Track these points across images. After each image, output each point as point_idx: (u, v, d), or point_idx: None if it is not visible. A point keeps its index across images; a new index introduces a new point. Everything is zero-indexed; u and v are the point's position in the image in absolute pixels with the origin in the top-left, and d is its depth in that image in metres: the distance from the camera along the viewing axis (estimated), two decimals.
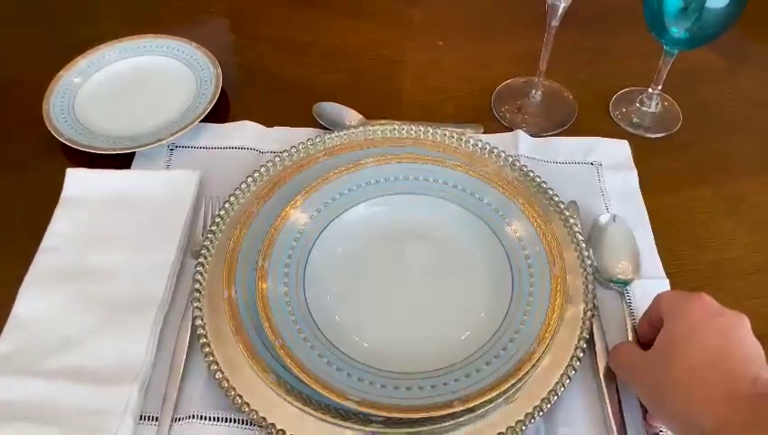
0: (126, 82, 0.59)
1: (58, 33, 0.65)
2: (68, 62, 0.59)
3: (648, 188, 0.51)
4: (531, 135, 0.55)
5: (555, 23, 0.51)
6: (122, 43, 0.61)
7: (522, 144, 0.54)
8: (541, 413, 0.38)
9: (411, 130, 0.52)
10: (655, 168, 0.52)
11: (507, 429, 0.37)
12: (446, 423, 0.37)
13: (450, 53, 0.63)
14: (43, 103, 0.56)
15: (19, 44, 0.65)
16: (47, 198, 0.50)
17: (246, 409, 0.38)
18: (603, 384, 0.40)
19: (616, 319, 0.44)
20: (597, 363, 0.41)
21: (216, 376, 0.40)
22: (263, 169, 0.50)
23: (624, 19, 0.54)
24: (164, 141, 0.53)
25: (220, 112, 0.57)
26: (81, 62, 0.59)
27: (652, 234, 0.48)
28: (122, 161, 0.53)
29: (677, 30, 0.49)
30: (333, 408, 0.38)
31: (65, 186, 0.51)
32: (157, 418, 0.40)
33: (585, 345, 0.41)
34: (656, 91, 0.56)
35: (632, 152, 0.53)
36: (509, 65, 0.60)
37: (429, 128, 0.52)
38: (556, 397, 0.39)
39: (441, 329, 0.42)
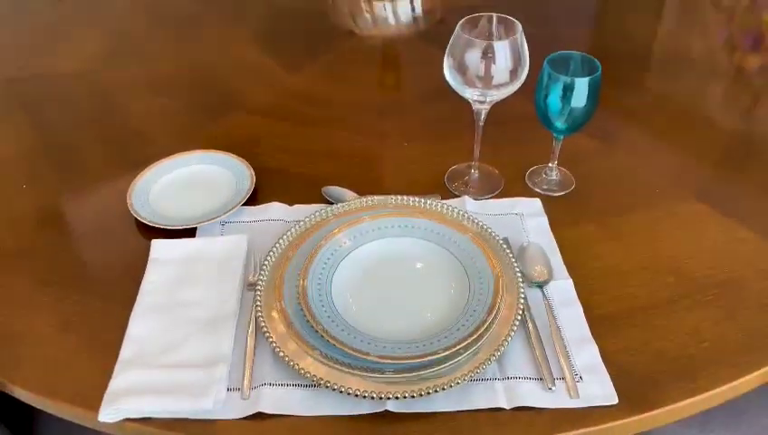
0: (185, 182, 0.82)
1: (128, 154, 0.89)
2: (143, 170, 0.82)
3: (555, 226, 0.75)
4: (474, 199, 0.79)
5: (481, 123, 0.77)
6: (181, 156, 0.84)
7: (468, 205, 0.78)
8: (494, 358, 0.59)
9: (392, 198, 0.76)
10: (558, 214, 0.76)
11: (474, 368, 0.58)
12: (434, 368, 0.58)
13: (414, 150, 0.88)
14: (127, 198, 0.78)
15: (104, 162, 0.88)
16: (139, 263, 0.71)
17: (302, 371, 0.58)
18: (534, 343, 0.62)
19: (539, 306, 0.66)
20: (528, 330, 0.63)
21: (279, 353, 0.59)
22: (293, 230, 0.72)
23: (527, 118, 0.80)
24: (218, 218, 0.75)
25: (254, 199, 0.79)
26: (152, 169, 0.82)
27: (559, 253, 0.71)
28: (188, 234, 0.75)
29: (559, 123, 0.76)
30: (358, 365, 0.58)
31: (152, 251, 0.72)
32: (239, 388, 0.59)
33: (519, 319, 0.62)
34: (554, 165, 0.82)
35: (543, 205, 0.78)
36: (454, 156, 0.85)
37: (404, 197, 0.76)
38: (504, 348, 0.60)
39: (426, 313, 0.64)
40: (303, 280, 0.65)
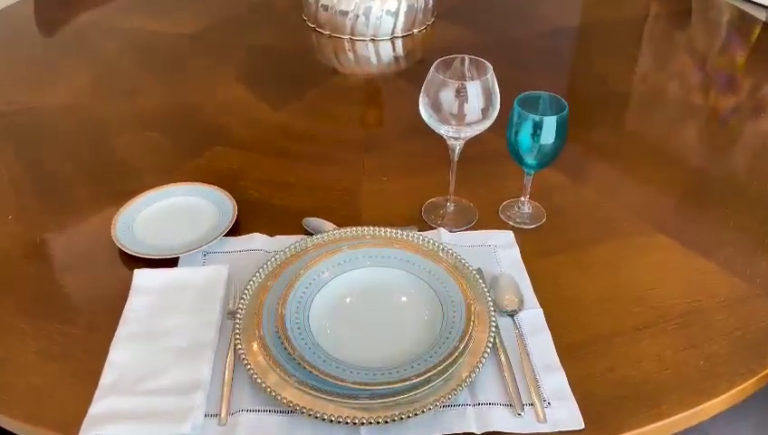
0: (168, 213, 0.84)
1: (113, 186, 0.91)
2: (127, 202, 0.84)
3: (526, 257, 0.78)
4: (449, 231, 0.82)
5: (455, 159, 0.81)
6: (164, 188, 0.87)
7: (443, 236, 0.81)
8: (466, 384, 0.61)
9: (370, 230, 0.79)
10: (530, 246, 0.79)
11: (446, 394, 0.60)
12: (407, 394, 0.60)
13: (392, 185, 0.91)
14: (111, 229, 0.80)
15: (89, 193, 0.90)
16: (122, 292, 0.72)
17: (279, 397, 0.60)
18: (505, 370, 0.64)
19: (509, 334, 0.68)
20: (499, 356, 0.65)
21: (257, 381, 0.61)
22: (273, 259, 0.74)
23: (499, 154, 0.84)
24: (200, 249, 0.77)
25: (236, 231, 0.82)
26: (136, 201, 0.84)
27: (530, 283, 0.74)
28: (171, 264, 0.77)
29: (530, 159, 0.79)
30: (334, 391, 0.60)
31: (134, 280, 0.74)
32: (217, 414, 0.60)
33: (491, 345, 0.65)
34: (526, 199, 0.85)
35: (515, 238, 0.81)
36: (431, 189, 0.88)
37: (381, 228, 0.79)
38: (475, 374, 0.62)
39: (401, 340, 0.66)
40: (282, 308, 0.67)
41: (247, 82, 1.18)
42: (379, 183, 0.92)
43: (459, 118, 0.74)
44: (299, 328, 0.65)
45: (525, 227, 0.83)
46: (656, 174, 0.95)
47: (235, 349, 0.65)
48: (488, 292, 0.70)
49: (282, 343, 0.64)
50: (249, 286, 0.71)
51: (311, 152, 0.99)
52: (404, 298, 0.71)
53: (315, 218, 0.83)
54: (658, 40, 1.40)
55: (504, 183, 0.88)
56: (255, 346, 0.65)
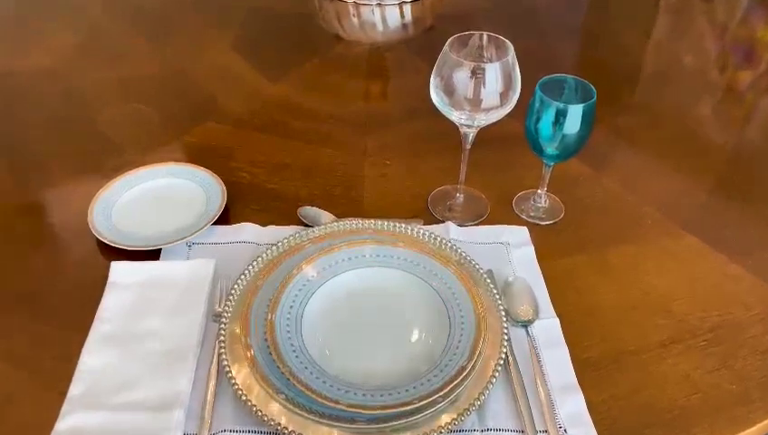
0: (151, 197, 0.77)
1: (93, 164, 0.83)
2: (107, 182, 0.77)
3: (542, 257, 0.71)
4: (458, 225, 0.75)
5: (468, 146, 0.73)
6: (147, 168, 0.80)
7: (452, 231, 0.74)
8: (475, 408, 0.55)
9: (370, 223, 0.71)
10: (546, 244, 0.73)
11: (452, 419, 0.54)
12: (409, 419, 0.54)
13: (396, 170, 0.84)
14: (87, 215, 0.73)
15: (63, 174, 0.82)
16: (97, 286, 0.66)
17: (266, 418, 0.53)
18: (516, 390, 0.58)
19: (522, 347, 0.62)
20: (511, 374, 0.59)
21: (242, 398, 0.55)
22: (264, 255, 0.68)
23: (516, 142, 0.76)
24: (184, 239, 0.70)
25: (225, 218, 0.75)
26: (116, 183, 0.77)
27: (546, 288, 0.67)
28: (152, 256, 0.70)
29: (550, 149, 0.72)
30: (327, 413, 0.54)
31: (110, 274, 0.67)
32: (196, 434, 0.54)
33: (503, 362, 0.58)
34: (543, 192, 0.78)
35: (530, 235, 0.74)
36: (438, 176, 0.81)
37: (384, 222, 0.72)
38: (484, 397, 0.56)
39: (402, 356, 0.59)
40: (272, 314, 0.60)
41: (243, 49, 1.09)
42: (381, 167, 0.84)
43: (474, 103, 0.66)
44: (290, 337, 0.59)
45: (541, 222, 0.76)
46: (685, 162, 0.87)
47: (219, 359, 0.59)
48: (500, 299, 0.64)
49: (270, 354, 0.57)
50: (237, 286, 0.64)
51: (309, 130, 0.91)
52: (407, 305, 0.64)
53: (312, 207, 0.76)
54: (681, 11, 1.30)
55: (520, 172, 0.81)
56: (241, 356, 0.58)
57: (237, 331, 0.60)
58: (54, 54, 1.05)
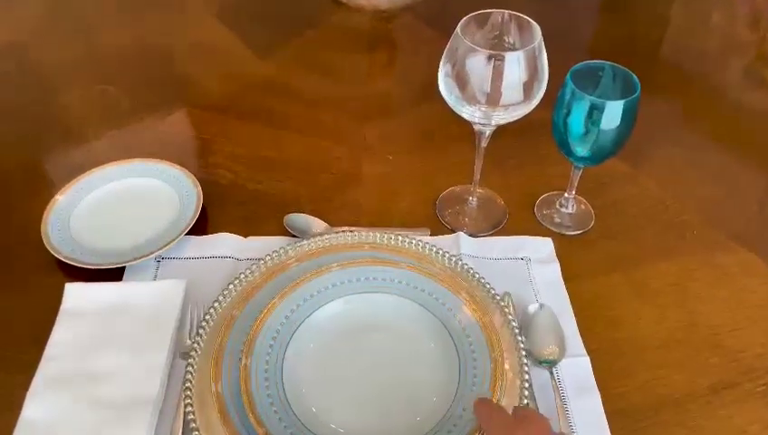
0: (116, 202, 0.67)
1: (53, 159, 0.73)
2: (63, 186, 0.67)
3: (569, 276, 0.60)
4: (470, 235, 0.64)
5: (484, 144, 0.62)
6: (112, 166, 0.69)
7: (463, 244, 0.63)
8: None
9: (369, 236, 0.61)
10: (573, 259, 0.62)
11: None
12: None
13: (399, 166, 0.73)
14: (41, 224, 0.63)
15: (17, 171, 0.72)
16: (49, 311, 0.56)
17: None
18: None
19: (546, 393, 0.52)
20: None
21: None
22: (242, 277, 0.57)
23: (542, 132, 0.65)
24: (152, 255, 0.60)
25: (201, 226, 0.65)
26: (75, 185, 0.67)
27: (574, 317, 0.57)
28: (115, 274, 0.60)
29: (581, 150, 0.60)
30: None
31: (64, 299, 0.57)
32: None
33: None
34: (571, 196, 0.67)
35: (554, 247, 0.63)
36: (449, 175, 0.70)
37: (384, 234, 0.61)
38: None
39: (402, 412, 0.50)
40: (247, 358, 0.50)
41: (229, 19, 0.97)
42: (383, 163, 0.73)
43: (491, 98, 0.55)
44: (268, 390, 0.49)
45: (569, 233, 0.65)
46: (730, 157, 0.75)
47: (185, 413, 0.49)
48: (520, 335, 0.53)
49: (244, 407, 0.48)
50: (209, 316, 0.55)
51: (300, 116, 0.80)
52: (409, 343, 0.54)
53: (300, 214, 0.65)
54: None
55: (545, 168, 0.70)
56: (211, 407, 0.49)
57: (207, 375, 0.51)
58: (14, 26, 0.93)
